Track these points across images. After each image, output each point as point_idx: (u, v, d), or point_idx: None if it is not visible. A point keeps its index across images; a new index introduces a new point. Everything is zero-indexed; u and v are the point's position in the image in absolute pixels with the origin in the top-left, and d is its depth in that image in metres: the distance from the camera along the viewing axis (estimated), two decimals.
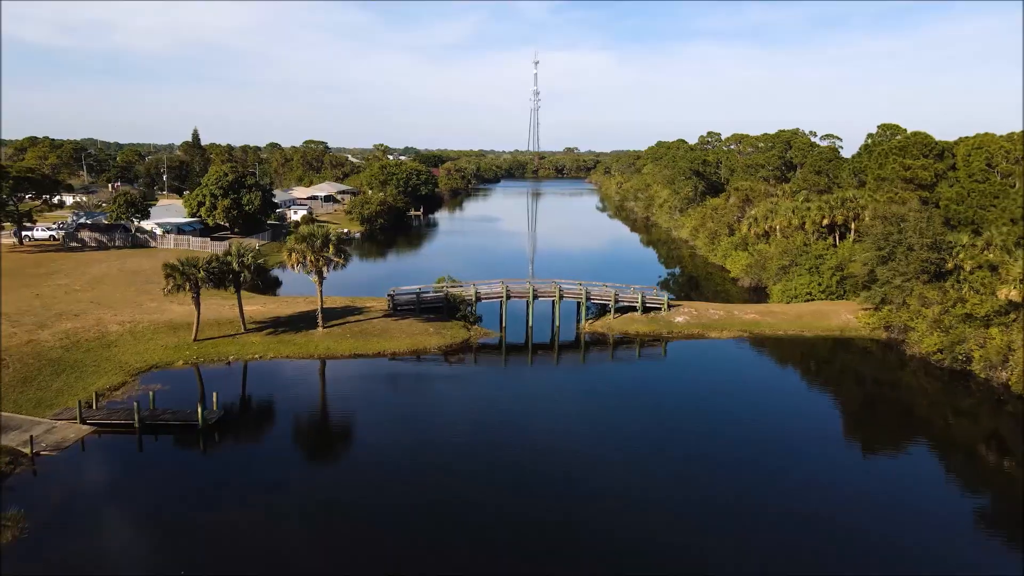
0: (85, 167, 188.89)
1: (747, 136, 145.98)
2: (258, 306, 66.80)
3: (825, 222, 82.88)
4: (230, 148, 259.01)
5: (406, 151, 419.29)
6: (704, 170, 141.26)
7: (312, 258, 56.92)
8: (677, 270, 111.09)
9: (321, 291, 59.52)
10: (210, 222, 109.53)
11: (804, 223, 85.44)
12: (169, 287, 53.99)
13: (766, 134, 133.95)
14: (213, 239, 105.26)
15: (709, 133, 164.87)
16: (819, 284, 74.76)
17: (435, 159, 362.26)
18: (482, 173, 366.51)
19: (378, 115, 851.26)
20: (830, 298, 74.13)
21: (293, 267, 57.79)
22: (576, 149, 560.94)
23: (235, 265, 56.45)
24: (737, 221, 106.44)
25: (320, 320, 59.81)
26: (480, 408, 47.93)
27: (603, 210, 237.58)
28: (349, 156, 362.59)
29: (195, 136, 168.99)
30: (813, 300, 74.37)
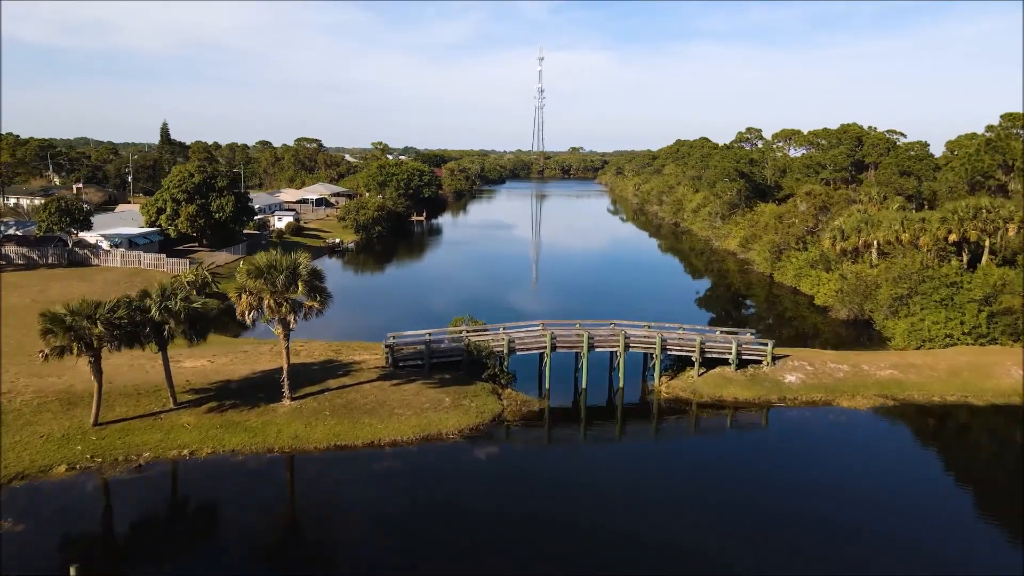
0: (52, 167, 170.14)
1: (798, 132, 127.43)
2: (204, 360, 48.04)
3: (952, 238, 64.16)
4: (216, 146, 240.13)
5: (406, 151, 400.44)
6: (751, 171, 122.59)
7: (272, 303, 38.05)
8: (730, 291, 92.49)
9: (288, 348, 40.68)
10: (172, 233, 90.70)
11: (918, 238, 66.73)
12: (47, 350, 35.20)
13: (826, 129, 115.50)
14: (173, 254, 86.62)
15: (748, 129, 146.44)
16: (961, 323, 56.04)
17: (437, 159, 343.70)
18: (486, 174, 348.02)
19: (378, 115, 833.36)
20: (979, 342, 55.41)
21: (244, 315, 38.81)
22: (581, 149, 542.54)
23: (155, 313, 37.60)
24: (810, 233, 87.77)
25: (287, 388, 41.05)
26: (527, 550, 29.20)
27: (615, 213, 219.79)
28: (347, 156, 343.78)
29: (164, 131, 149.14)
30: (956, 345, 55.65)
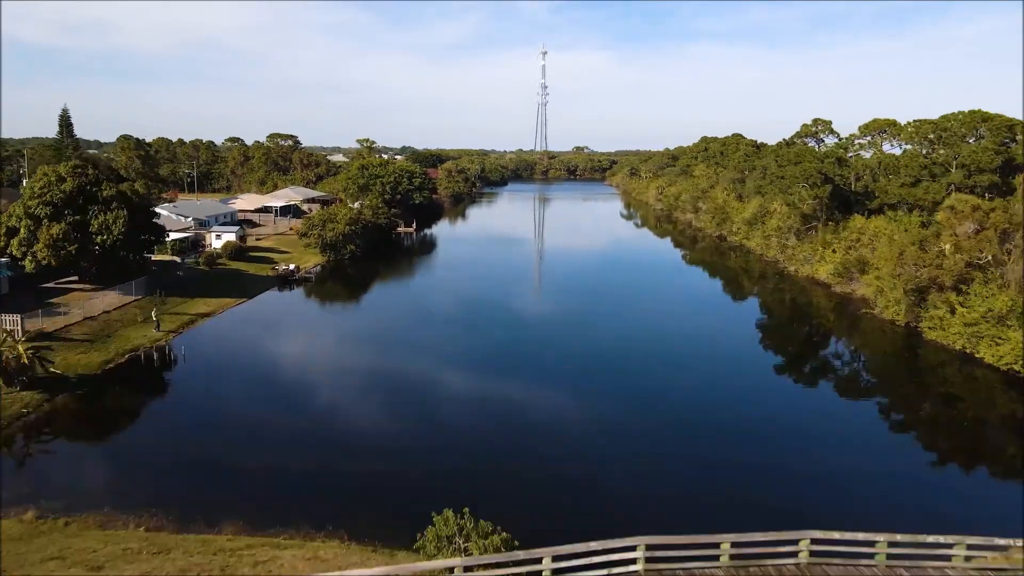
0: None
1: (894, 123, 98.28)
2: None
3: None
4: (181, 142, 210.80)
5: (403, 150, 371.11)
6: (842, 175, 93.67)
7: None
8: (818, 334, 63.51)
9: None
10: (28, 265, 61.37)
11: None
12: None
13: (946, 117, 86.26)
14: (33, 296, 57.55)
15: (816, 121, 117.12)
16: None
17: (434, 158, 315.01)
18: (487, 175, 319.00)
19: (378, 115, 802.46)
20: None
21: None
22: (587, 148, 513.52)
23: None
24: (976, 268, 58.69)
25: None
26: None
27: (629, 217, 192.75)
28: (340, 155, 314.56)
29: (64, 120, 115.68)
30: None
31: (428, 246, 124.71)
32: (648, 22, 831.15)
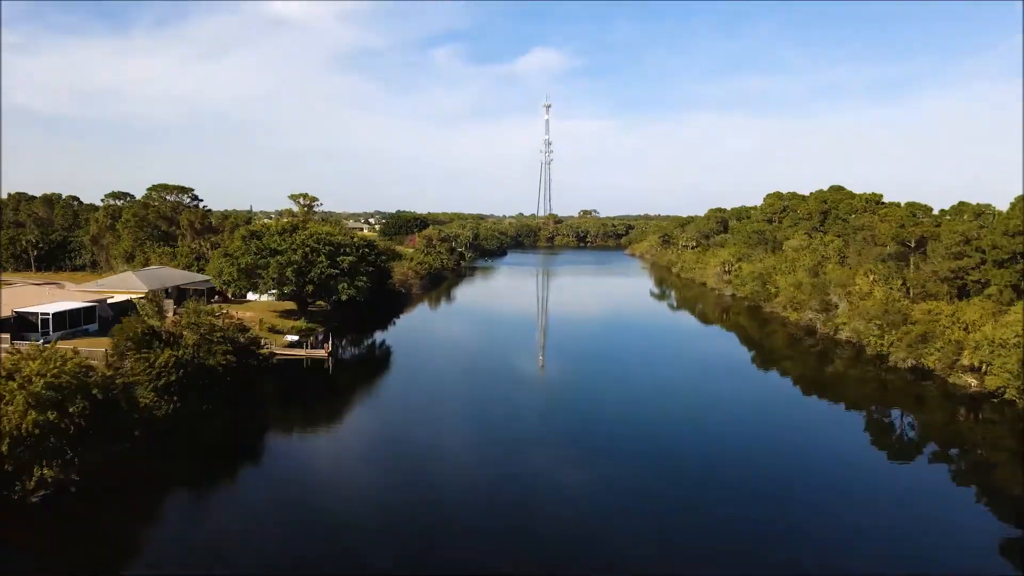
0: None
1: None
2: None
3: None
4: (52, 198, 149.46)
5: (397, 215, 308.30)
6: None
7: None
8: None
9: None
10: None
11: None
12: None
13: None
14: None
15: None
16: None
17: (417, 223, 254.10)
18: (481, 242, 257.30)
19: (379, 181, 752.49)
20: None
21: None
22: (595, 212, 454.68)
23: None
24: None
25: None
26: None
27: (661, 296, 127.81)
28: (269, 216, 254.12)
29: None
30: None
31: (350, 377, 60.35)
32: (648, 91, 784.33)
